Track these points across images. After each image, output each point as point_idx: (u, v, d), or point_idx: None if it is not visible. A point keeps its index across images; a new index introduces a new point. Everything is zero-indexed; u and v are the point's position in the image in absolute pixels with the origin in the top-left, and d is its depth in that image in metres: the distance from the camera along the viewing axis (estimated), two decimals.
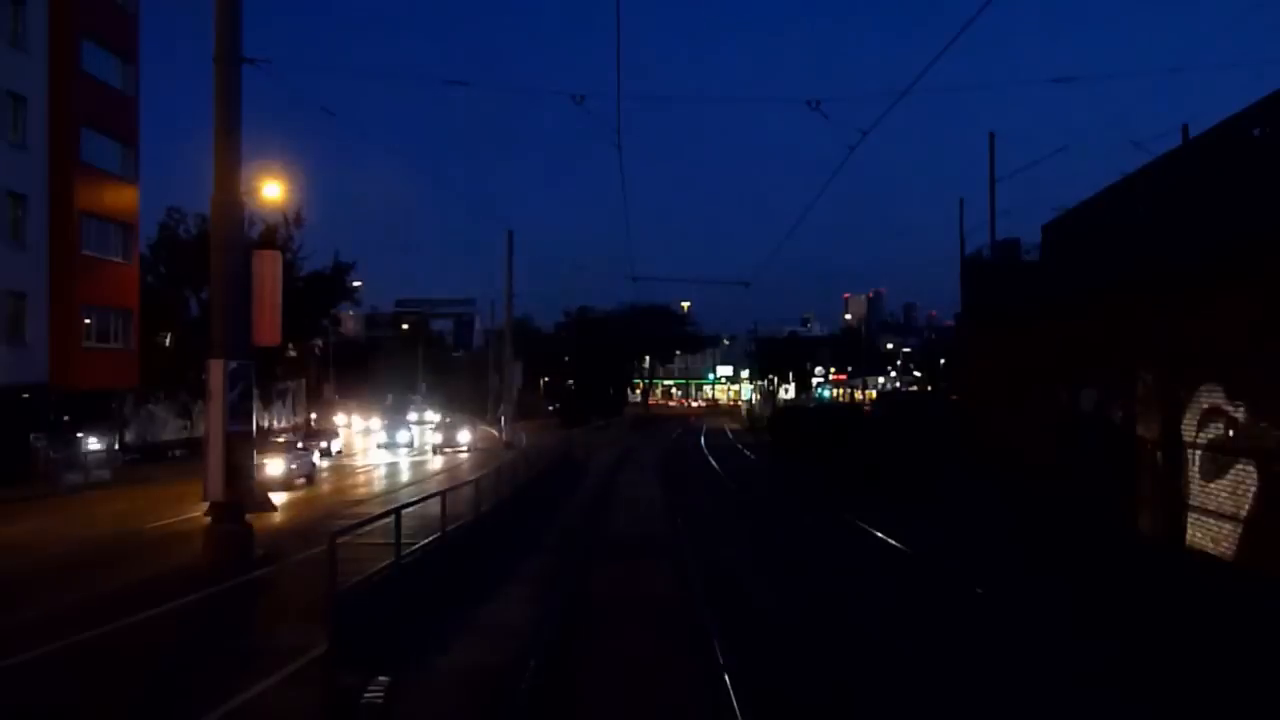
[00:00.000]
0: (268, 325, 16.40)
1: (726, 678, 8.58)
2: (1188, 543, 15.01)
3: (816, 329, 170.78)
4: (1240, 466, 13.75)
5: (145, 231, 43.64)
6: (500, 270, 52.13)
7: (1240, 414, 13.85)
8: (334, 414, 70.45)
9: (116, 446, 36.66)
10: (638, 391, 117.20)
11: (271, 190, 23.82)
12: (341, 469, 39.93)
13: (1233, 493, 13.88)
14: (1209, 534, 14.51)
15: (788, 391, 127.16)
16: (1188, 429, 15.26)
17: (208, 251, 16.64)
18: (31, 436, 31.35)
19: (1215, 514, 14.36)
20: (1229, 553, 13.87)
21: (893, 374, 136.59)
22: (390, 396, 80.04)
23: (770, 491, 29.15)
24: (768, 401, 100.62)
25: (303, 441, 36.41)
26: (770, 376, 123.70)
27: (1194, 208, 15.72)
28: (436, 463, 42.79)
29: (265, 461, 27.20)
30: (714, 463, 40.27)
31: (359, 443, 59.25)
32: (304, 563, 15.48)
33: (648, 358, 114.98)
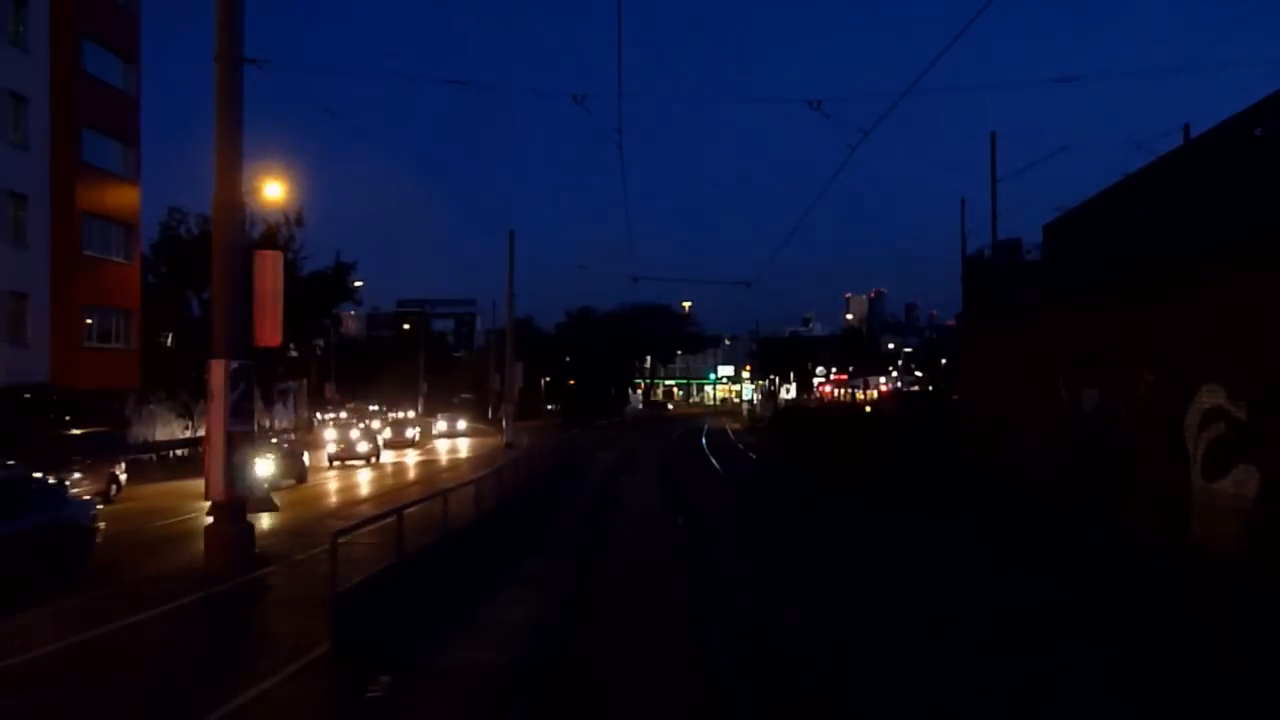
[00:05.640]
0: (269, 325, 16.39)
1: (730, 679, 8.58)
2: (1190, 542, 15.01)
3: (818, 329, 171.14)
4: (1242, 466, 13.75)
5: (146, 231, 43.67)
6: (501, 270, 52.19)
7: (1242, 414, 13.85)
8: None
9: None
10: (639, 391, 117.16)
11: (272, 190, 23.86)
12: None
13: (1235, 492, 13.87)
14: (1211, 533, 14.51)
15: (789, 391, 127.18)
16: (1189, 429, 15.26)
17: (209, 251, 16.63)
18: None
19: (1217, 513, 14.36)
20: (1231, 551, 13.87)
21: (894, 374, 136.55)
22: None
23: (771, 492, 29.13)
24: (769, 401, 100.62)
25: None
26: (771, 376, 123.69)
27: (1195, 208, 15.72)
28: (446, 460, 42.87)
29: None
30: (715, 463, 40.24)
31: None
32: (305, 562, 15.49)
33: (649, 358, 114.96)
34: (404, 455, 47.95)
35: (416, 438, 56.22)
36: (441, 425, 68.03)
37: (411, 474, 36.23)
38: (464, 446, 55.49)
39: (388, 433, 54.73)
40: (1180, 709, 8.35)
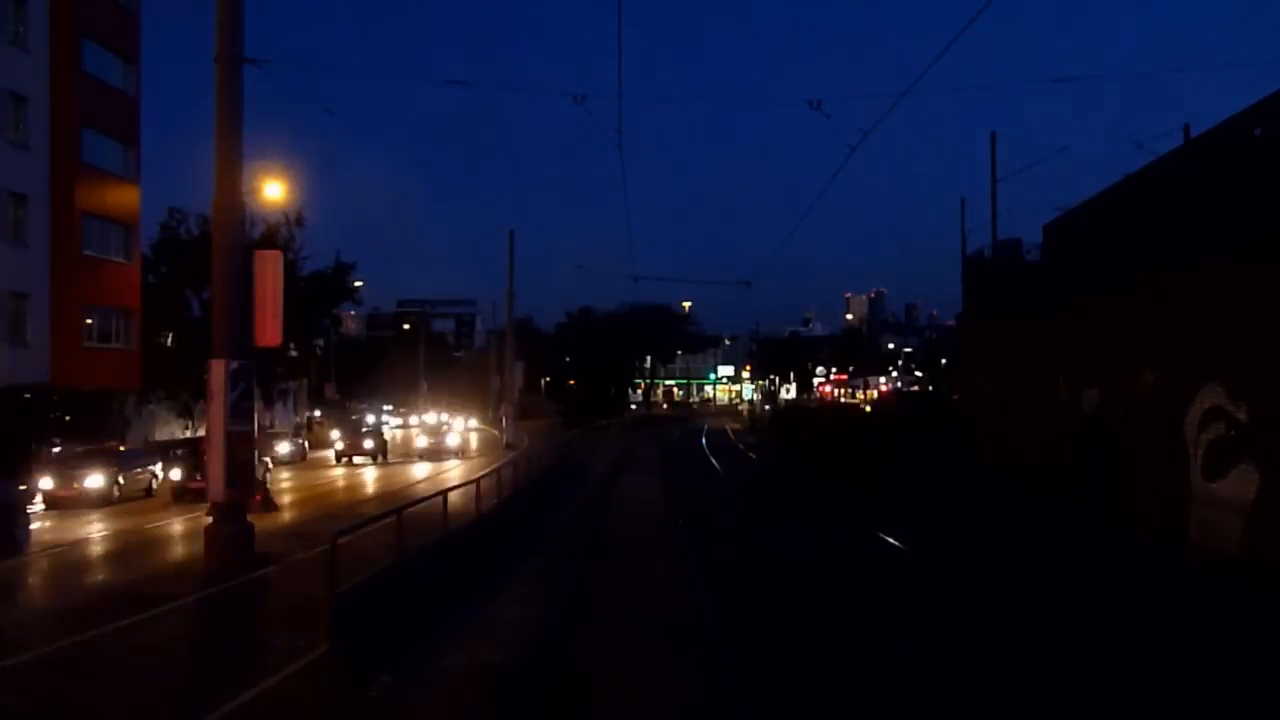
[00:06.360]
0: (269, 326, 16.39)
1: (728, 677, 8.58)
2: (1190, 541, 15.01)
3: (818, 329, 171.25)
4: (1242, 466, 13.75)
5: (146, 231, 43.65)
6: (501, 270, 52.19)
7: (1242, 414, 13.84)
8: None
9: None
10: (639, 391, 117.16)
11: (272, 190, 23.84)
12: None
13: (1235, 492, 13.87)
14: (1211, 533, 14.50)
15: (789, 392, 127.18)
16: (1189, 428, 15.26)
17: (209, 252, 16.63)
18: (33, 436, 31.35)
19: (1217, 513, 14.35)
20: (1231, 551, 13.87)
21: (894, 374, 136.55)
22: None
23: (772, 492, 29.13)
24: (769, 401, 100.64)
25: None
26: (771, 376, 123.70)
27: (1195, 207, 15.73)
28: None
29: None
30: (715, 463, 40.24)
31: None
32: (305, 563, 15.49)
33: (649, 358, 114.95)
34: (362, 471, 38.77)
35: (383, 451, 44.20)
36: (423, 440, 49.44)
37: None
38: (435, 465, 40.94)
39: (340, 444, 44.38)
40: (1179, 709, 8.34)
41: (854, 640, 10.51)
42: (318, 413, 66.52)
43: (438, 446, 45.51)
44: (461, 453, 45.99)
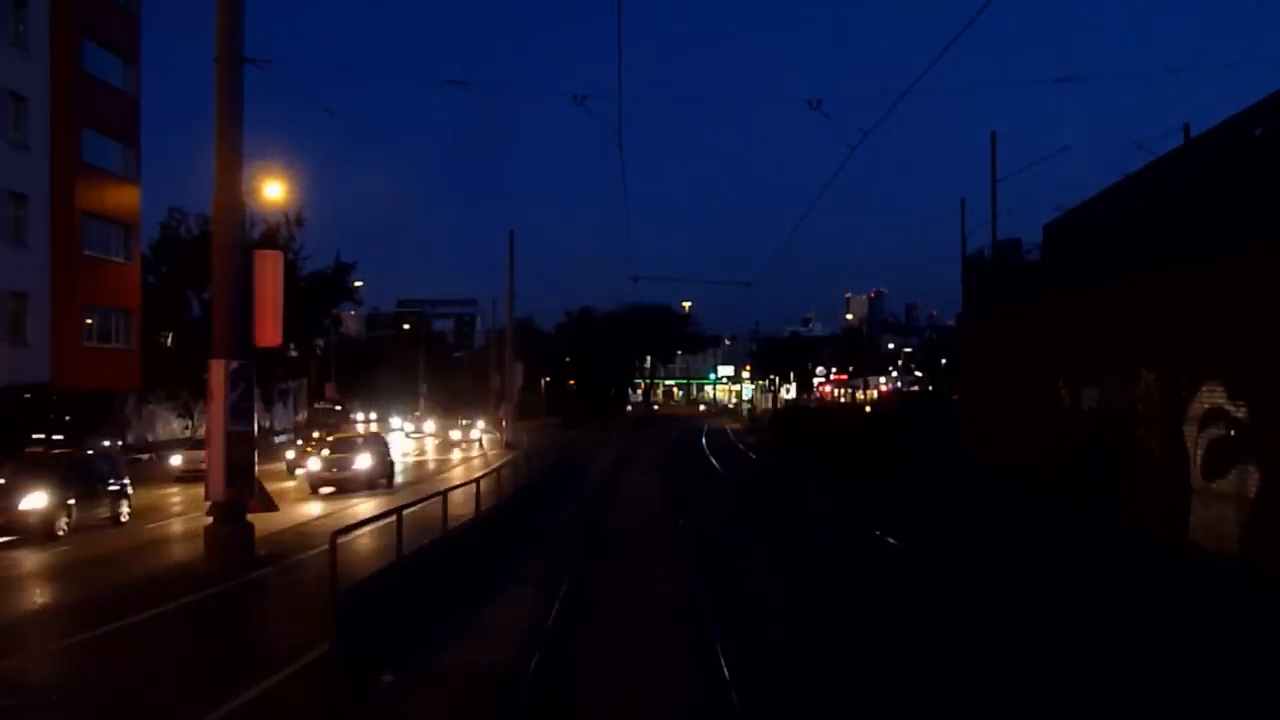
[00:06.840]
0: (269, 326, 16.39)
1: (729, 682, 8.58)
2: (1190, 541, 15.02)
3: (818, 329, 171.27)
4: (1242, 466, 13.75)
5: (146, 231, 43.76)
6: (501, 270, 52.21)
7: (1242, 414, 13.85)
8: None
9: (119, 446, 36.70)
10: (639, 391, 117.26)
11: (272, 190, 23.86)
12: None
13: (1235, 492, 13.88)
14: (1211, 533, 14.51)
15: (789, 391, 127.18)
16: (1189, 428, 15.26)
17: (209, 252, 16.63)
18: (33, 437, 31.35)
19: (1217, 513, 14.36)
20: (1231, 551, 13.88)
21: (894, 374, 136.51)
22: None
23: (772, 492, 29.12)
24: (769, 401, 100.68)
25: None
26: (771, 376, 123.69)
27: (1196, 207, 15.73)
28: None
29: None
30: (715, 463, 40.25)
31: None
32: (305, 562, 15.50)
33: (649, 358, 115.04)
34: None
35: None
36: (315, 463, 28.62)
37: None
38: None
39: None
40: (1177, 709, 8.34)
41: (853, 639, 10.51)
42: (318, 404, 61.15)
43: (337, 474, 28.02)
44: (384, 482, 29.61)
